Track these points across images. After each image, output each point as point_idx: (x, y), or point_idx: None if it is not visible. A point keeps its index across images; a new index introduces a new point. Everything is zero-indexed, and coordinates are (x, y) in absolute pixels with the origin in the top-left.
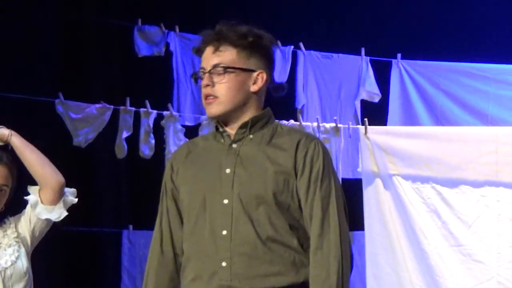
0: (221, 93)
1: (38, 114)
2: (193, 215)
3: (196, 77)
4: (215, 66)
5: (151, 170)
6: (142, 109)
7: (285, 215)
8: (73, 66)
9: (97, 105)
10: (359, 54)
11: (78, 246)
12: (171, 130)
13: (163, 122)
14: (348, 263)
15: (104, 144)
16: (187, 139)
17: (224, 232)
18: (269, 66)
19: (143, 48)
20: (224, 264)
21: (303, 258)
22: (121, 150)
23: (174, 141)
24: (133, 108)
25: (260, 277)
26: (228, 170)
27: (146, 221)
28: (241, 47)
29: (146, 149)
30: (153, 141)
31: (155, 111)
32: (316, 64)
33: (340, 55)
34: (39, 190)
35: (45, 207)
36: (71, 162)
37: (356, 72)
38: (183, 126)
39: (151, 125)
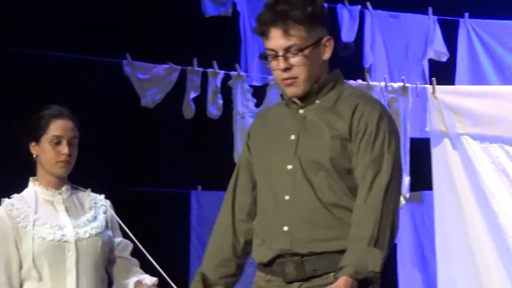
0: (300, 73)
1: (105, 75)
2: (261, 181)
3: (264, 57)
4: (288, 48)
5: (219, 130)
6: (209, 70)
7: (344, 180)
8: (140, 27)
9: (165, 66)
10: (426, 13)
11: (146, 207)
12: (238, 90)
13: (230, 82)
14: (388, 223)
15: (172, 104)
16: (255, 99)
17: (287, 197)
18: (329, 25)
19: (210, 8)
20: (285, 228)
21: None
22: (188, 110)
23: (242, 101)
24: (201, 69)
25: (319, 241)
26: (292, 136)
27: (215, 182)
28: (306, 22)
29: (214, 109)
30: (220, 101)
31: (222, 72)
32: (384, 24)
33: (408, 14)
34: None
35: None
36: (140, 123)
37: (423, 32)
38: (250, 86)
39: (219, 86)
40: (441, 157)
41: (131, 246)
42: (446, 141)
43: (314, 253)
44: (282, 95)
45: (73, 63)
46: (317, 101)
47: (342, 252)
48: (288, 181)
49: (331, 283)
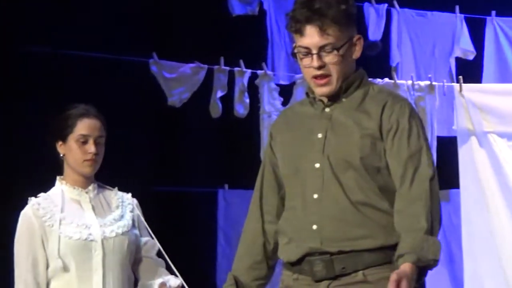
0: (333, 71)
1: (132, 75)
2: (288, 180)
3: (295, 55)
4: (323, 47)
5: (246, 129)
6: (236, 68)
7: (374, 179)
8: (167, 26)
9: (191, 65)
10: (453, 11)
11: (173, 206)
12: (265, 89)
13: (257, 81)
14: (438, 212)
15: (199, 103)
16: (282, 98)
17: (315, 196)
18: (357, 23)
19: (237, 7)
20: (314, 227)
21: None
22: (215, 109)
23: (269, 100)
24: (227, 67)
25: (349, 240)
26: (320, 135)
27: (242, 180)
28: (340, 20)
29: (241, 108)
30: (247, 100)
31: (249, 70)
32: (410, 22)
33: (434, 12)
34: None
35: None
36: (166, 122)
37: (450, 30)
38: (277, 85)
39: (246, 84)
40: (468, 155)
41: (157, 246)
42: (473, 139)
43: (343, 252)
44: (307, 93)
45: (99, 62)
46: (344, 100)
47: (370, 250)
48: (316, 179)
49: (360, 282)
